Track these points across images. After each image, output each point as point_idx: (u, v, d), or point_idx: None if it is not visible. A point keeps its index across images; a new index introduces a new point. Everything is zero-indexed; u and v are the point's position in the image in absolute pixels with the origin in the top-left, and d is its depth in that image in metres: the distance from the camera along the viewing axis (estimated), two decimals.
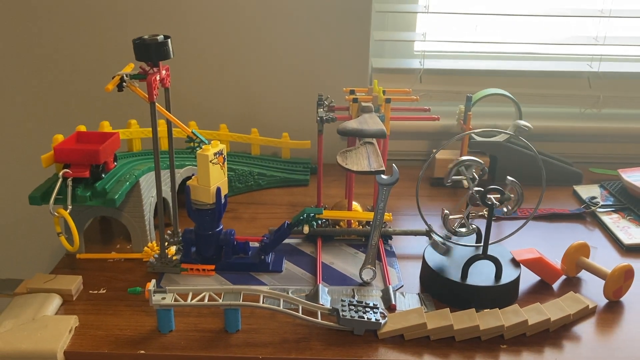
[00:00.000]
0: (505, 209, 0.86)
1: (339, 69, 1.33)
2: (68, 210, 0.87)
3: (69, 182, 0.87)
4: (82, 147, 0.91)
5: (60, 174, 0.87)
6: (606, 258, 0.98)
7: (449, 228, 0.91)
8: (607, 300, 0.87)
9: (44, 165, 0.89)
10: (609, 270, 0.87)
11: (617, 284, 0.86)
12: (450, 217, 0.91)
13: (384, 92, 1.05)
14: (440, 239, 0.92)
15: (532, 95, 1.37)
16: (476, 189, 0.85)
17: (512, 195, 0.85)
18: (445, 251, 0.91)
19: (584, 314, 0.84)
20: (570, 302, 0.84)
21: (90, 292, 0.88)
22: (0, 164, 1.44)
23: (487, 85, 1.28)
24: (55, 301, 0.84)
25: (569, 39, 1.39)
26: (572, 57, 1.44)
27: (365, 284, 0.90)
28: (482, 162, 0.86)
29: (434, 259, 0.90)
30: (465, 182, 0.87)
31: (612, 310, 0.86)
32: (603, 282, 0.87)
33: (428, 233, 1.00)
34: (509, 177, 0.86)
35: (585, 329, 0.82)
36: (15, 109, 1.38)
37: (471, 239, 0.94)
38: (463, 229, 0.92)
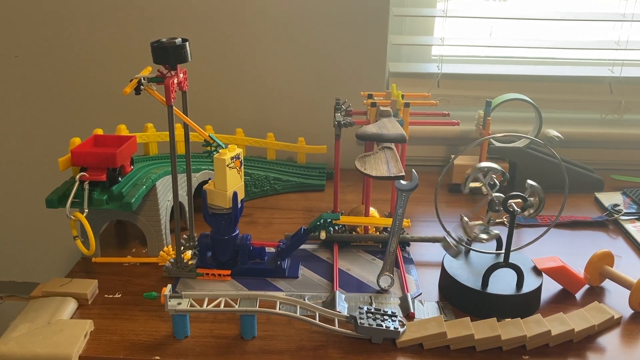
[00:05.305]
0: (526, 213, 0.84)
1: (356, 73, 1.32)
2: (85, 214, 0.87)
3: (86, 186, 0.87)
4: (99, 150, 0.91)
5: (77, 177, 0.87)
6: (631, 267, 0.96)
7: (469, 235, 0.89)
8: (632, 311, 0.85)
9: (61, 168, 0.89)
10: (634, 280, 0.85)
11: None
12: (470, 223, 0.89)
13: (402, 96, 1.04)
14: (453, 242, 0.90)
15: (552, 100, 1.35)
16: (496, 194, 0.83)
17: (532, 199, 0.83)
18: (457, 253, 0.88)
19: (609, 324, 0.82)
20: (594, 312, 0.82)
21: (106, 296, 0.88)
22: (18, 166, 1.44)
23: (506, 90, 1.26)
24: (71, 305, 0.83)
25: (590, 44, 1.37)
26: (594, 62, 1.42)
27: (382, 291, 0.89)
28: (500, 168, 0.84)
29: (454, 266, 0.88)
30: (484, 189, 0.86)
31: (638, 321, 0.83)
32: (628, 292, 0.85)
33: (444, 239, 0.98)
34: (529, 181, 0.84)
35: (610, 340, 0.79)
36: (33, 111, 1.39)
37: (490, 246, 0.92)
38: (484, 236, 0.90)
